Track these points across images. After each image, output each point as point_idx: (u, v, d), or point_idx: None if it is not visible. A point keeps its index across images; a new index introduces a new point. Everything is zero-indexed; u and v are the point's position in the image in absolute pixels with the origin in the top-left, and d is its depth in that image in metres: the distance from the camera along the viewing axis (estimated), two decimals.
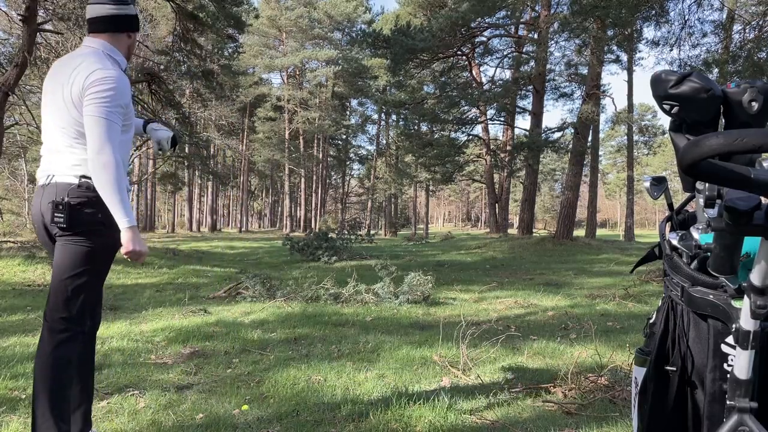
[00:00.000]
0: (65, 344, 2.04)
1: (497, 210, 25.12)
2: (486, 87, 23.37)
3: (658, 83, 1.28)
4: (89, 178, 2.05)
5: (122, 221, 2.02)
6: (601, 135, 38.04)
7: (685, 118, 1.30)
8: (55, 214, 2.02)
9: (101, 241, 2.09)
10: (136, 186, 32.64)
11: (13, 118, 20.33)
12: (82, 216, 2.04)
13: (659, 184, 1.46)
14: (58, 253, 2.07)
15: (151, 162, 32.48)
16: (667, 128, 1.39)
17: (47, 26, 12.22)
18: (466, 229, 56.52)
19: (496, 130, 38.72)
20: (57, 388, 1.99)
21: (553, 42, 19.68)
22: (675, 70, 1.35)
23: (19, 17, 10.71)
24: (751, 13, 13.73)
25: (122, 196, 2.01)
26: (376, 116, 41.00)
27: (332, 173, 47.29)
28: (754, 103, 1.25)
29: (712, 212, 1.20)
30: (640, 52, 20.36)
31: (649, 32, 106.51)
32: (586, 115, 16.94)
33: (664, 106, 1.28)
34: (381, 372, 3.38)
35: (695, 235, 1.29)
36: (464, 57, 23.26)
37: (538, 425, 2.52)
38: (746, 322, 1.05)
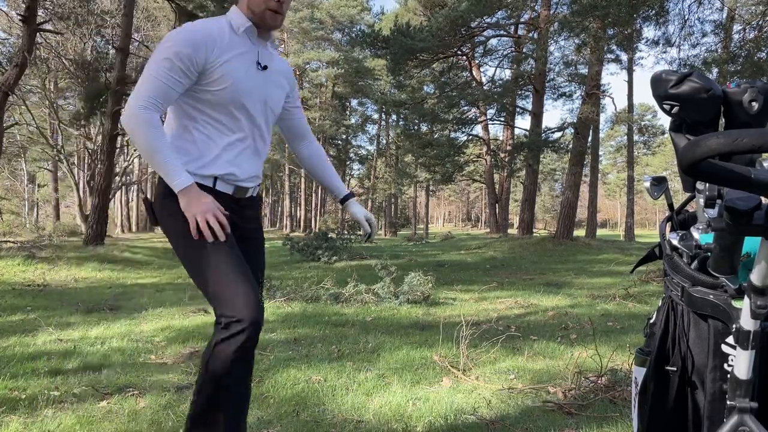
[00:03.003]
0: (222, 342, 1.82)
1: (497, 210, 25.12)
2: (486, 87, 23.36)
3: (658, 83, 1.28)
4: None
5: (172, 186, 1.74)
6: (601, 135, 38.11)
7: (685, 118, 1.29)
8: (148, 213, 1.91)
9: (177, 221, 1.79)
10: (135, 186, 32.64)
11: (13, 118, 20.31)
12: (159, 209, 1.85)
13: (659, 184, 1.46)
14: None
15: None
16: (667, 128, 1.39)
17: (47, 26, 12.23)
18: (466, 229, 56.53)
19: (496, 130, 38.73)
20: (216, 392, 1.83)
21: (552, 42, 19.67)
22: (675, 69, 1.35)
23: (19, 17, 10.72)
24: (751, 13, 13.72)
25: (162, 157, 1.72)
26: (376, 116, 41.03)
27: None
28: (754, 103, 1.25)
29: (713, 212, 1.20)
30: (640, 51, 20.35)
31: (648, 32, 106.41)
32: (586, 115, 16.94)
33: (664, 106, 1.28)
34: (381, 372, 3.38)
35: (695, 235, 1.29)
36: (464, 57, 23.26)
37: (538, 425, 2.52)
38: (746, 322, 1.05)
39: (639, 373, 1.36)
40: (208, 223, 1.73)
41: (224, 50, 1.79)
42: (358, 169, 48.62)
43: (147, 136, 1.71)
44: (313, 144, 2.24)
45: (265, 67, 1.90)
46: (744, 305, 1.05)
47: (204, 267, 1.78)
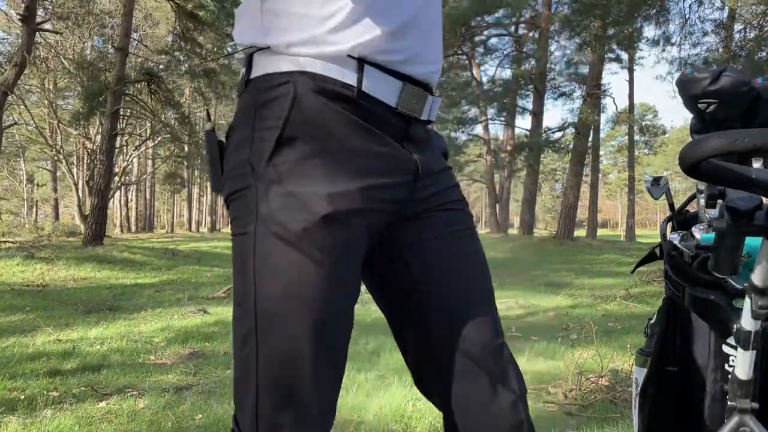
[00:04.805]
0: None
1: (498, 210, 25.12)
2: (486, 86, 23.37)
3: (691, 83, 1.26)
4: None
5: None
6: (602, 135, 38.12)
7: (717, 115, 1.28)
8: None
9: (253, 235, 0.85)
10: (135, 186, 32.64)
11: (12, 118, 20.32)
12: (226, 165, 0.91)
13: (660, 184, 1.45)
14: None
15: (150, 162, 32.48)
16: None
17: (46, 26, 12.22)
18: None
19: (497, 130, 38.76)
20: None
21: (553, 41, 19.69)
22: (703, 67, 1.34)
23: (19, 17, 10.71)
24: (751, 13, 13.72)
25: None
26: None
27: None
28: None
29: (714, 212, 1.20)
30: (640, 51, 20.38)
31: (649, 31, 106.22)
32: (587, 115, 16.94)
33: (700, 105, 1.26)
34: (381, 373, 3.37)
35: (696, 235, 1.28)
36: (464, 56, 23.26)
37: (538, 426, 2.49)
38: (747, 323, 1.04)
39: (639, 374, 1.35)
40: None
41: None
42: None
43: None
44: None
45: None
46: (745, 305, 1.04)
47: (268, 356, 0.84)
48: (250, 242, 0.84)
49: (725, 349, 1.18)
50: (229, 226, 0.90)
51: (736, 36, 13.58)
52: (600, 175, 32.26)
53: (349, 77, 0.85)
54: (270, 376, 0.84)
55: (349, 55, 0.85)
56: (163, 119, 15.48)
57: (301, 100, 0.83)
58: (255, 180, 0.84)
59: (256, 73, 0.88)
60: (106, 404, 2.74)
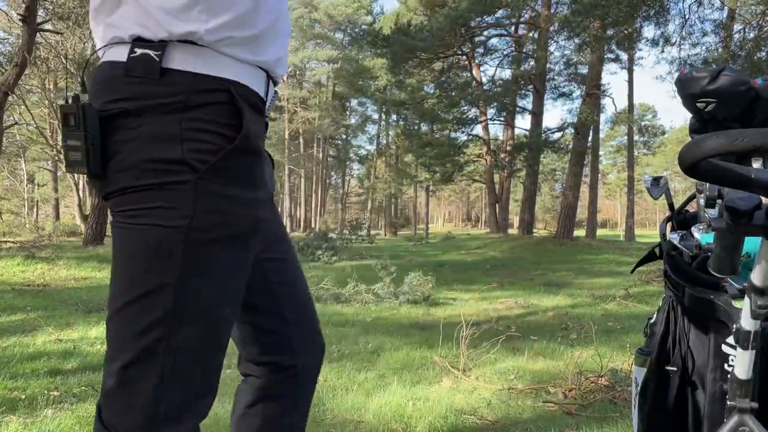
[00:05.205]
0: None
1: (497, 210, 25.11)
2: (486, 86, 23.37)
3: (690, 82, 1.26)
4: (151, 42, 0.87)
5: None
6: (601, 135, 38.12)
7: (716, 115, 1.28)
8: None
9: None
10: None
11: (13, 118, 20.33)
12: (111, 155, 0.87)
13: (659, 184, 1.46)
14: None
15: None
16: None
17: (47, 26, 12.22)
18: (466, 229, 56.51)
19: (496, 130, 38.77)
20: None
21: (553, 41, 19.68)
22: (701, 66, 1.33)
23: (19, 17, 10.71)
24: (751, 13, 13.73)
25: None
26: (376, 116, 41.07)
27: (332, 173, 47.34)
28: None
29: (713, 212, 1.20)
30: (640, 51, 20.38)
31: (648, 31, 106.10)
32: (586, 115, 16.94)
33: (699, 104, 1.26)
34: (381, 372, 3.38)
35: (696, 235, 1.29)
36: (464, 56, 23.26)
37: (538, 425, 2.51)
38: (747, 323, 1.05)
39: (639, 374, 1.36)
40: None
41: None
42: (358, 169, 48.68)
43: None
44: None
45: None
46: (744, 305, 1.05)
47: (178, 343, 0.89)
48: (179, 236, 0.85)
49: (725, 348, 1.18)
50: (129, 213, 0.87)
51: (736, 36, 13.58)
52: (599, 175, 32.26)
53: (261, 90, 0.94)
54: (182, 363, 0.89)
55: (265, 69, 0.94)
56: None
57: (242, 111, 0.88)
58: (196, 178, 0.86)
59: (178, 66, 0.86)
60: None
